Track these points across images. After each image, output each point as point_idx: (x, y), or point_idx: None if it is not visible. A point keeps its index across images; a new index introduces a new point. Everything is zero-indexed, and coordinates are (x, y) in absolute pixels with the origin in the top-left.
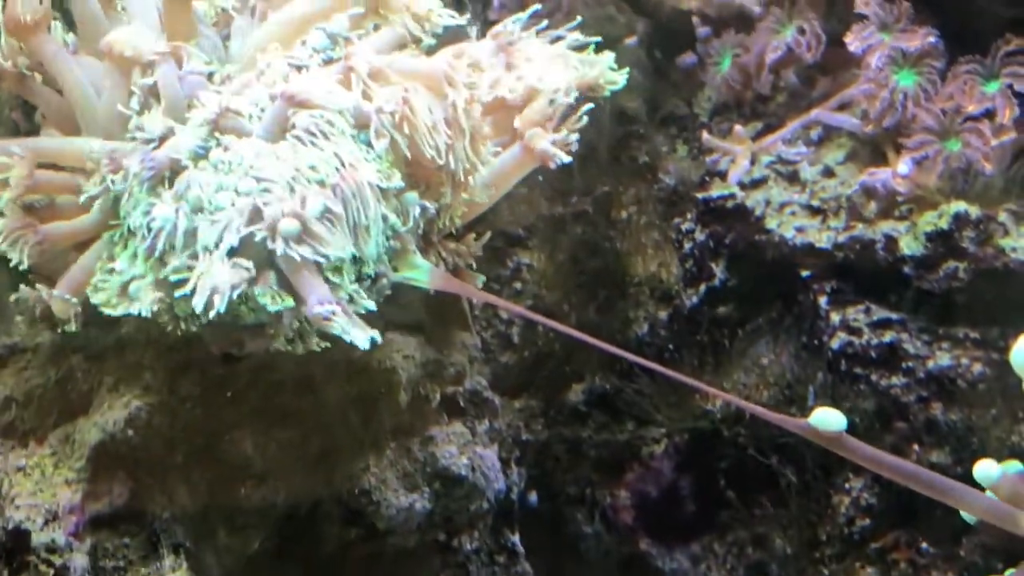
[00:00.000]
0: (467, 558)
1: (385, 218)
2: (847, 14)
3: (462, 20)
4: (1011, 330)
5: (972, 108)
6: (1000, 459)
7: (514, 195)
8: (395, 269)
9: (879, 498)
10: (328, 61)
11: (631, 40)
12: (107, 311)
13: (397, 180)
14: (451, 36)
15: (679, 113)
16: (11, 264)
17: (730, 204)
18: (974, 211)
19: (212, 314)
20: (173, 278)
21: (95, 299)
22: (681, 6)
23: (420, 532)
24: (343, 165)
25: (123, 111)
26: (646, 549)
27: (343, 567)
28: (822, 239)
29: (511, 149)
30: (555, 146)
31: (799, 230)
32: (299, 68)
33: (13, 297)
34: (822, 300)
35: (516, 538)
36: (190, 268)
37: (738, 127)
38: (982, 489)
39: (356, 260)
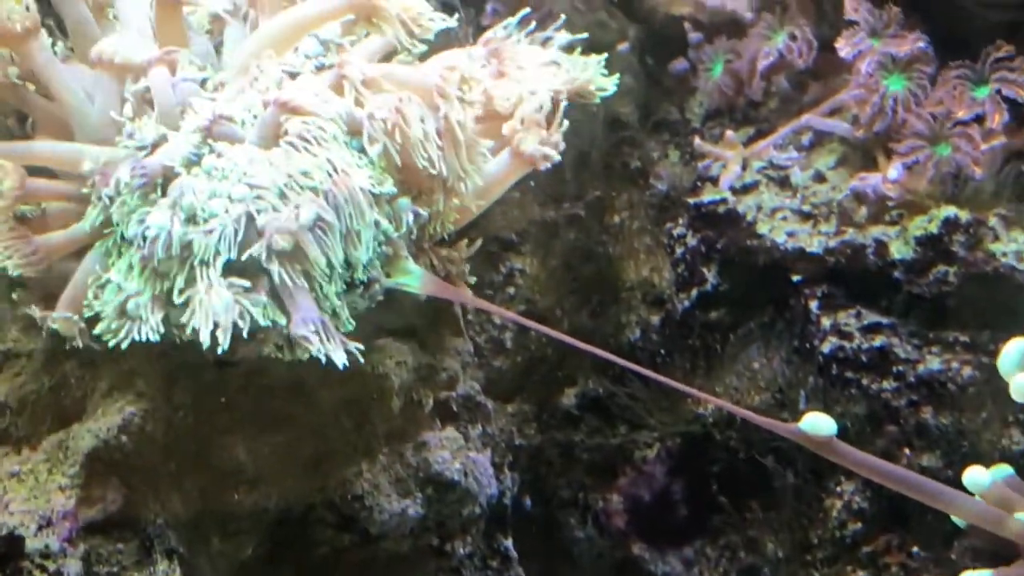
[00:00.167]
0: (460, 563)
1: (377, 224)
2: (838, 20)
3: (453, 23)
4: (1001, 334)
5: (962, 113)
6: (990, 463)
7: (507, 200)
8: (388, 275)
9: (871, 502)
10: (321, 68)
11: (623, 46)
12: (110, 340)
13: (389, 186)
14: (443, 41)
15: (671, 119)
16: (4, 273)
17: (722, 209)
18: (964, 215)
19: (219, 351)
20: (177, 301)
21: (97, 329)
22: (673, 12)
23: (413, 537)
24: (336, 171)
25: (116, 118)
26: (639, 553)
27: (336, 572)
28: (813, 244)
29: (501, 155)
30: (543, 147)
31: (790, 235)
32: (292, 75)
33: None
34: (813, 305)
35: (509, 542)
36: (189, 286)
37: (730, 132)
38: (971, 494)
39: (348, 266)
